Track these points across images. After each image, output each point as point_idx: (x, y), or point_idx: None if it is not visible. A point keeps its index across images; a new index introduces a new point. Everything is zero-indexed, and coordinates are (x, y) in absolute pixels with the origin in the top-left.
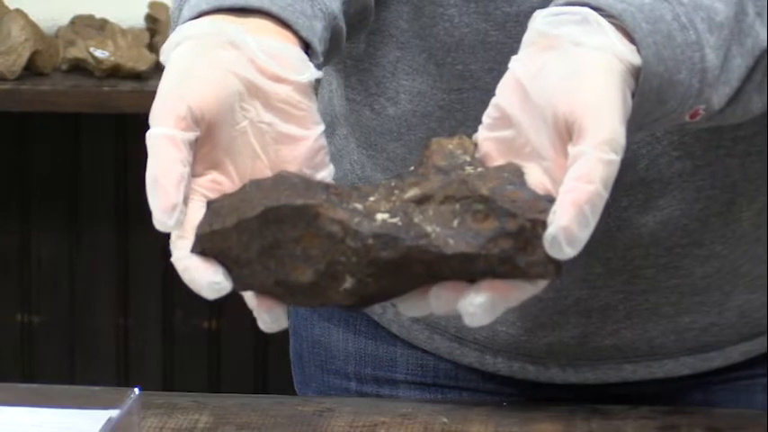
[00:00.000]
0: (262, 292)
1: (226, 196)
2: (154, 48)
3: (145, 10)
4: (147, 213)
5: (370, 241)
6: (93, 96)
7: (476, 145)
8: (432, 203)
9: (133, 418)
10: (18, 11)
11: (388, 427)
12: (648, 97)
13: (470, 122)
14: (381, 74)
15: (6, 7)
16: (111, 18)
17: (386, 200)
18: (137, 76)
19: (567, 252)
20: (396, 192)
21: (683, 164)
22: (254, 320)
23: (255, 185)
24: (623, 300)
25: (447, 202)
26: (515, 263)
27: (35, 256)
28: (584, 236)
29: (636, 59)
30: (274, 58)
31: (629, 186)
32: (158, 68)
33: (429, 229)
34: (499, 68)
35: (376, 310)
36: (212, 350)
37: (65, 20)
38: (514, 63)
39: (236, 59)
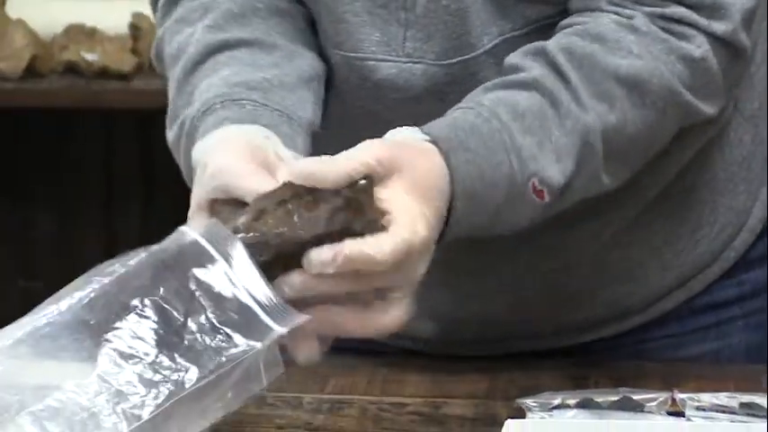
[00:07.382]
0: None
1: None
2: (136, 51)
3: (129, 19)
4: (132, 197)
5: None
6: (84, 94)
7: None
8: (269, 214)
9: None
10: (19, 20)
11: (337, 378)
12: (475, 185)
13: None
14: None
15: (9, 18)
16: (99, 26)
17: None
18: (122, 77)
19: None
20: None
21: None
22: None
23: None
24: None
25: (280, 206)
26: (355, 230)
27: (32, 234)
28: None
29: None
30: None
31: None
32: (140, 69)
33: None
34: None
35: None
36: None
37: (59, 28)
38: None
39: None
